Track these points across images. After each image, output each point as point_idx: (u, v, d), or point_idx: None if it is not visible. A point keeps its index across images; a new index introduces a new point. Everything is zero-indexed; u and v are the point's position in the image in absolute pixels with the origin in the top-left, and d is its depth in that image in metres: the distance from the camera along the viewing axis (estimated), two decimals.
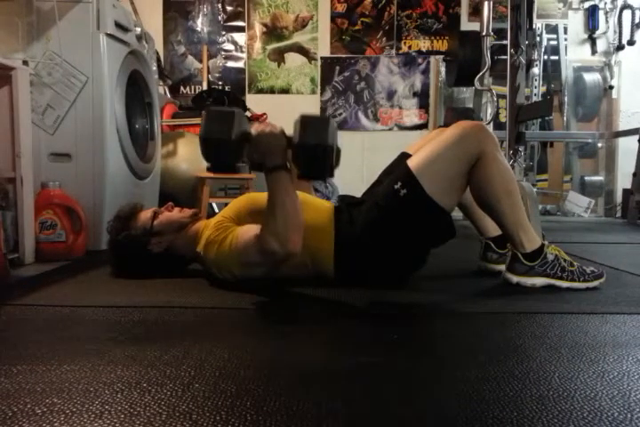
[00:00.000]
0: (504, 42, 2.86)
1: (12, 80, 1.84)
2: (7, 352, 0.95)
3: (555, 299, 1.37)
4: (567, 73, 4.46)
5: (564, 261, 1.47)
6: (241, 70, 4.51)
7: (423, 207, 1.41)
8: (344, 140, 4.49)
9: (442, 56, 4.42)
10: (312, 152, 1.28)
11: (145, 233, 1.53)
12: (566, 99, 4.43)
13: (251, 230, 1.36)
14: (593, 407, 0.71)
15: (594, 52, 4.51)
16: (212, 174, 3.06)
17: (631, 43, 4.43)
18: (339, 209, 1.51)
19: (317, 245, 1.45)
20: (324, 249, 1.45)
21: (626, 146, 4.20)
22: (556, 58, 4.46)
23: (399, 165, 1.48)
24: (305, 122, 1.29)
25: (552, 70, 4.47)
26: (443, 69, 4.45)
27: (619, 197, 4.38)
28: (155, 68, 2.87)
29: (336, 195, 3.80)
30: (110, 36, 2.20)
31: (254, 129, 1.31)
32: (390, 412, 0.71)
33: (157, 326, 1.12)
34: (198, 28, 4.48)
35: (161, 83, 3.79)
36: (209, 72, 4.46)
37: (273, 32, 4.49)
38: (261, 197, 1.42)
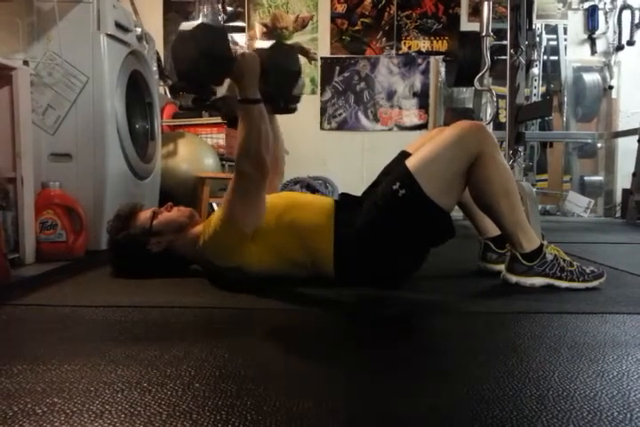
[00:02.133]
0: (504, 42, 2.86)
1: (13, 80, 1.84)
2: (7, 352, 0.95)
3: (554, 299, 1.37)
4: (567, 73, 4.46)
5: (564, 261, 1.47)
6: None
7: (422, 207, 1.41)
8: (344, 140, 4.50)
9: (442, 56, 4.42)
10: (286, 75, 1.40)
11: (144, 233, 1.53)
12: (566, 99, 4.43)
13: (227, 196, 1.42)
14: (592, 407, 0.71)
15: (593, 52, 4.52)
16: (211, 174, 3.06)
17: (631, 43, 4.44)
18: (338, 209, 1.51)
19: (317, 246, 1.45)
20: (323, 249, 1.45)
21: (625, 146, 4.20)
22: (556, 58, 4.46)
23: (398, 165, 1.48)
24: (278, 47, 1.41)
25: (552, 70, 4.47)
26: (442, 70, 4.45)
27: (618, 197, 4.38)
28: (155, 68, 2.87)
29: (336, 195, 3.80)
30: (111, 36, 2.20)
31: (239, 53, 1.36)
32: (390, 412, 0.71)
33: (157, 326, 1.12)
34: None
35: (161, 83, 3.79)
36: None
37: (273, 32, 4.49)
38: None
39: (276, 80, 1.38)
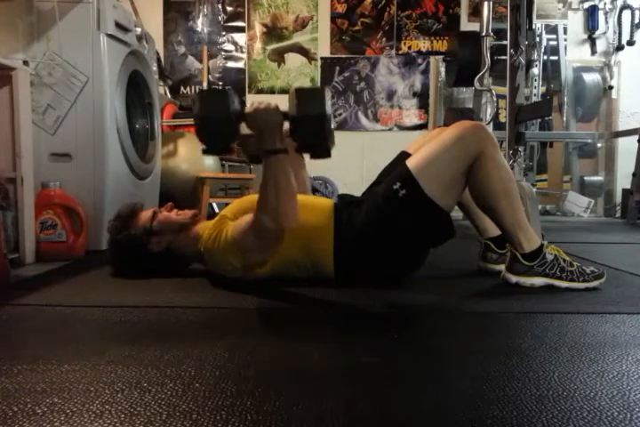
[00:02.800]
0: (504, 42, 2.86)
1: (13, 80, 1.85)
2: (7, 352, 0.95)
3: (554, 299, 1.37)
4: (567, 73, 4.46)
5: (564, 261, 1.47)
6: (241, 71, 4.51)
7: (422, 208, 1.41)
8: (344, 140, 4.49)
9: (441, 56, 4.42)
10: (310, 123, 1.28)
11: (145, 233, 1.53)
12: (566, 99, 4.43)
13: (245, 218, 1.40)
14: (592, 407, 0.71)
15: (593, 52, 4.52)
16: (211, 174, 3.06)
17: (631, 43, 4.43)
18: (338, 208, 1.51)
19: (317, 246, 1.45)
20: (323, 249, 1.45)
21: (625, 146, 4.20)
22: (556, 58, 4.46)
23: (398, 165, 1.48)
24: (300, 93, 1.28)
25: (552, 70, 4.47)
26: (442, 70, 4.45)
27: (618, 197, 4.38)
28: (155, 68, 2.87)
29: (336, 195, 3.80)
30: (110, 36, 2.20)
31: (249, 106, 1.32)
32: (390, 412, 0.71)
33: (157, 326, 1.12)
34: (198, 29, 4.49)
35: (161, 83, 3.79)
36: (209, 72, 4.46)
37: (273, 32, 4.49)
38: None
39: (300, 132, 1.31)
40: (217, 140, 1.33)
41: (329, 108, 1.27)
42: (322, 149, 1.36)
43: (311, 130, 1.29)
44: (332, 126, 1.36)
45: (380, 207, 1.44)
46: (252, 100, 1.35)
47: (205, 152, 1.38)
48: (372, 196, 1.51)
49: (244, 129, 1.35)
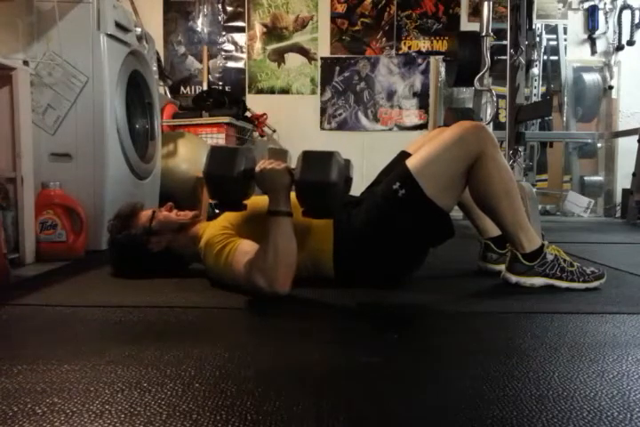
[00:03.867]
0: (504, 42, 2.86)
1: (13, 80, 1.84)
2: (7, 352, 0.95)
3: (554, 299, 1.37)
4: (567, 73, 4.46)
5: (564, 261, 1.47)
6: (241, 70, 4.51)
7: (422, 208, 1.41)
8: (344, 140, 4.50)
9: (442, 56, 4.42)
10: (313, 190, 1.26)
11: (144, 232, 1.53)
12: (566, 99, 4.43)
13: (246, 255, 1.33)
14: (592, 407, 0.71)
15: (593, 52, 4.52)
16: None
17: (631, 43, 4.43)
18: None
19: (317, 246, 1.45)
20: (323, 250, 1.45)
21: (625, 146, 4.20)
22: (556, 58, 4.46)
23: (398, 165, 1.48)
24: (306, 158, 1.27)
25: (552, 70, 4.47)
26: (442, 70, 4.45)
27: (618, 197, 4.38)
28: (155, 68, 2.87)
29: None
30: (110, 36, 2.20)
31: (258, 166, 1.32)
32: (390, 412, 0.71)
33: (157, 326, 1.12)
34: (198, 29, 4.48)
35: (161, 83, 3.79)
36: (209, 72, 4.46)
37: (273, 32, 4.49)
38: (262, 200, 1.41)
39: (302, 194, 1.29)
40: (225, 197, 1.34)
41: (335, 176, 1.23)
42: (324, 214, 1.35)
43: (314, 196, 1.28)
44: (351, 175, 1.34)
45: (379, 207, 1.44)
46: (262, 160, 1.34)
47: (217, 207, 1.37)
48: (371, 195, 1.51)
49: None
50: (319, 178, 1.23)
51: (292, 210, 1.39)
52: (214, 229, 1.46)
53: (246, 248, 1.35)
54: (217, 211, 1.38)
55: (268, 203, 1.33)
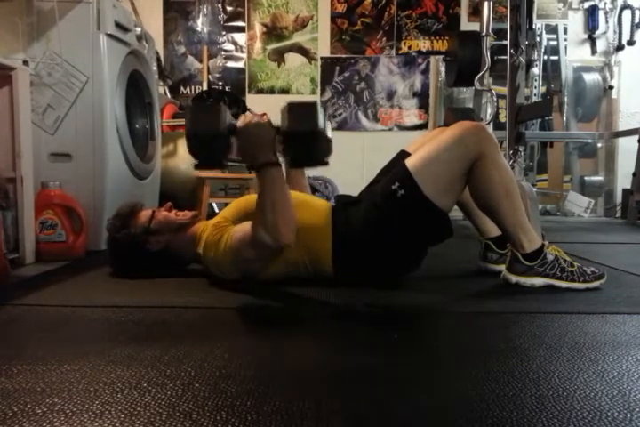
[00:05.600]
0: (504, 42, 2.86)
1: (13, 80, 1.84)
2: (7, 352, 0.95)
3: (554, 299, 1.37)
4: (567, 73, 4.46)
5: (564, 261, 1.47)
6: (241, 70, 4.51)
7: (421, 208, 1.41)
8: (344, 140, 4.50)
9: (442, 56, 4.42)
10: (301, 138, 1.27)
11: (144, 232, 1.53)
12: (566, 99, 4.43)
13: (244, 227, 1.38)
14: (593, 407, 0.71)
15: (594, 52, 4.51)
16: (211, 174, 3.06)
17: (631, 43, 4.43)
18: (336, 209, 1.51)
19: (315, 246, 1.45)
20: (321, 249, 1.45)
21: (625, 146, 4.20)
22: (556, 58, 4.46)
23: (397, 165, 1.48)
24: (292, 109, 1.27)
25: (552, 70, 4.47)
26: (442, 69, 4.45)
27: (618, 197, 4.38)
28: (155, 68, 2.87)
29: (335, 195, 3.80)
30: (110, 36, 2.20)
31: (240, 121, 1.31)
32: (390, 412, 0.71)
33: (157, 326, 1.12)
34: (198, 29, 4.48)
35: (161, 83, 3.79)
36: (209, 72, 4.46)
37: (273, 32, 4.49)
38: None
39: (293, 147, 1.30)
40: (208, 155, 1.31)
41: (321, 123, 1.25)
42: (313, 164, 1.35)
43: (302, 146, 1.29)
44: (329, 135, 1.35)
45: (378, 207, 1.44)
46: (244, 115, 1.33)
47: (197, 167, 1.35)
48: (370, 195, 1.50)
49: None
50: (306, 127, 1.25)
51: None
52: (209, 231, 1.48)
53: (242, 225, 1.40)
54: (195, 169, 1.36)
55: (255, 158, 1.30)
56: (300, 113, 1.27)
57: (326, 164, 1.34)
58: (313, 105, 1.27)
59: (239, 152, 1.32)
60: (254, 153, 1.30)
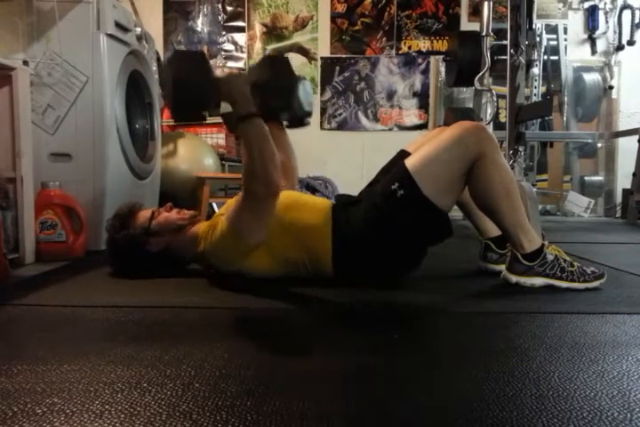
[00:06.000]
0: (504, 42, 2.86)
1: (13, 80, 1.84)
2: (7, 352, 0.95)
3: (554, 299, 1.37)
4: (567, 73, 4.46)
5: (564, 261, 1.47)
6: (241, 70, 4.51)
7: (420, 208, 1.41)
8: (344, 140, 4.50)
9: (442, 56, 4.42)
10: (275, 85, 1.36)
11: (143, 232, 1.53)
12: (566, 99, 4.43)
13: (234, 201, 1.42)
14: (593, 407, 0.71)
15: (594, 52, 4.51)
16: (211, 174, 3.06)
17: (631, 43, 4.43)
18: (336, 209, 1.51)
19: (315, 245, 1.45)
20: (321, 249, 1.45)
21: (625, 146, 4.20)
22: (556, 58, 4.46)
23: (397, 165, 1.48)
24: (264, 61, 1.37)
25: (552, 70, 4.47)
26: (442, 69, 4.45)
27: (618, 197, 4.38)
28: (155, 68, 2.87)
29: (335, 195, 3.79)
30: (110, 36, 2.19)
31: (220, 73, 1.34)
32: (390, 412, 0.71)
33: (157, 326, 1.12)
34: (198, 29, 4.48)
35: None
36: None
37: (273, 32, 4.49)
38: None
39: (267, 96, 1.35)
40: (195, 105, 1.32)
41: (293, 74, 1.37)
42: (288, 108, 1.41)
43: (277, 94, 1.35)
44: (308, 96, 1.43)
45: (378, 207, 1.44)
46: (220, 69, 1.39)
47: (177, 118, 1.36)
48: (370, 195, 1.50)
49: (227, 108, 1.37)
50: (280, 75, 1.36)
51: (290, 209, 1.42)
52: (205, 226, 1.51)
53: (232, 202, 1.44)
54: (175, 122, 1.38)
55: (236, 109, 1.33)
56: (275, 63, 1.38)
57: (308, 115, 1.44)
58: (286, 58, 1.42)
59: (225, 97, 1.33)
60: (237, 103, 1.33)
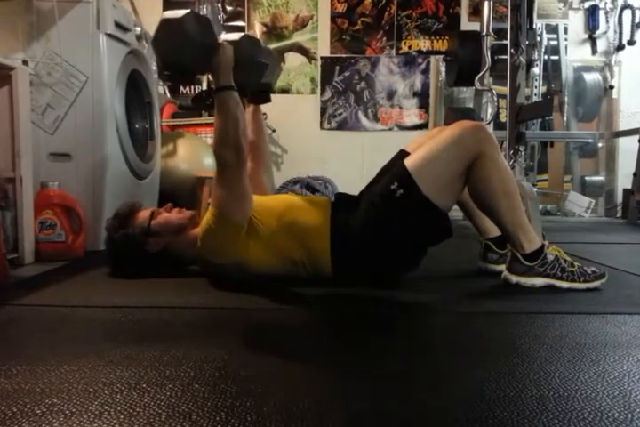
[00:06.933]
0: (504, 42, 2.86)
1: (12, 80, 1.84)
2: (7, 352, 0.95)
3: (555, 299, 1.37)
4: (567, 73, 4.45)
5: (565, 261, 1.47)
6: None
7: (420, 208, 1.41)
8: (344, 140, 4.50)
9: (442, 56, 4.42)
10: (253, 62, 1.46)
11: (142, 233, 1.53)
12: (566, 99, 4.43)
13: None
14: (593, 408, 0.71)
15: (594, 51, 4.51)
16: (211, 174, 3.06)
17: (631, 43, 4.43)
18: (335, 208, 1.51)
19: (314, 246, 1.45)
20: (320, 249, 1.45)
21: (626, 146, 4.20)
22: (557, 58, 4.46)
23: (396, 165, 1.47)
24: (243, 39, 1.44)
25: (552, 70, 4.46)
26: (443, 69, 4.44)
27: (619, 197, 4.37)
28: (154, 67, 2.87)
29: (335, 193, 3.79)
30: (110, 35, 2.19)
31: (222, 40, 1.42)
32: (390, 412, 0.71)
33: (157, 326, 1.12)
34: None
35: (160, 82, 3.79)
36: None
37: (273, 32, 4.49)
38: None
39: (246, 69, 1.42)
40: (194, 65, 1.36)
41: (263, 56, 1.52)
42: (258, 79, 1.51)
43: (247, 69, 1.43)
44: (270, 72, 1.56)
45: (377, 207, 1.43)
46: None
47: (163, 75, 1.41)
48: (369, 195, 1.50)
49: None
50: (258, 56, 1.48)
51: (288, 212, 1.47)
52: (204, 227, 1.49)
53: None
54: (161, 77, 1.44)
55: (218, 79, 1.37)
56: (254, 44, 1.48)
57: (268, 99, 1.63)
58: (259, 41, 1.55)
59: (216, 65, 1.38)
60: (221, 73, 1.37)
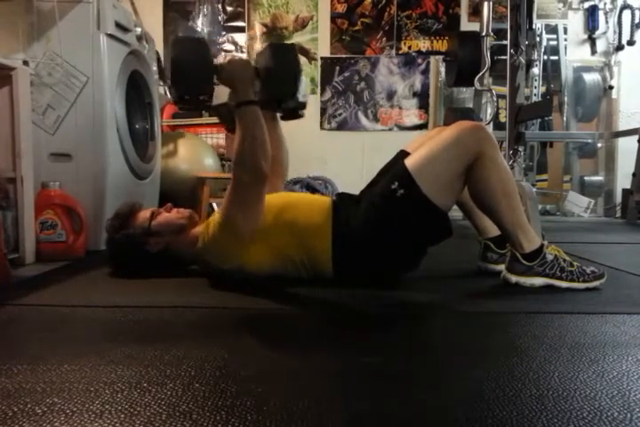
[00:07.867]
0: (504, 42, 2.86)
1: (13, 80, 1.84)
2: (7, 352, 0.95)
3: (554, 299, 1.37)
4: (567, 73, 4.46)
5: (564, 261, 1.47)
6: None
7: (420, 208, 1.41)
8: (344, 140, 4.50)
9: (442, 56, 4.42)
10: (281, 74, 1.38)
11: (143, 233, 1.53)
12: (566, 99, 4.43)
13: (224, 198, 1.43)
14: (593, 407, 0.71)
15: (593, 52, 4.51)
16: (211, 174, 3.06)
17: (631, 43, 4.43)
18: (336, 208, 1.51)
19: (314, 245, 1.45)
20: (321, 249, 1.45)
21: (625, 146, 4.20)
22: (556, 58, 4.46)
23: (396, 165, 1.48)
24: (272, 47, 1.38)
25: (552, 70, 4.46)
26: (442, 70, 4.45)
27: (618, 197, 4.38)
28: (155, 68, 2.87)
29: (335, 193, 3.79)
30: (110, 36, 2.19)
31: (223, 60, 1.37)
32: (390, 412, 0.71)
33: (157, 326, 1.12)
34: (198, 29, 4.48)
35: (161, 83, 3.79)
36: None
37: (273, 32, 4.49)
38: None
39: (271, 83, 1.38)
40: (193, 85, 1.36)
41: (299, 62, 1.38)
42: (290, 104, 1.44)
43: (281, 82, 1.37)
44: (304, 88, 1.45)
45: (378, 207, 1.44)
46: (223, 56, 1.43)
47: (179, 101, 1.40)
48: (369, 195, 1.50)
49: (217, 99, 1.41)
50: (287, 63, 1.38)
51: (287, 210, 1.45)
52: (203, 228, 1.49)
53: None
54: (179, 106, 1.43)
55: (236, 95, 1.36)
56: (281, 54, 1.38)
57: (303, 106, 1.46)
58: (292, 47, 1.40)
59: (225, 82, 1.36)
60: (237, 89, 1.35)
